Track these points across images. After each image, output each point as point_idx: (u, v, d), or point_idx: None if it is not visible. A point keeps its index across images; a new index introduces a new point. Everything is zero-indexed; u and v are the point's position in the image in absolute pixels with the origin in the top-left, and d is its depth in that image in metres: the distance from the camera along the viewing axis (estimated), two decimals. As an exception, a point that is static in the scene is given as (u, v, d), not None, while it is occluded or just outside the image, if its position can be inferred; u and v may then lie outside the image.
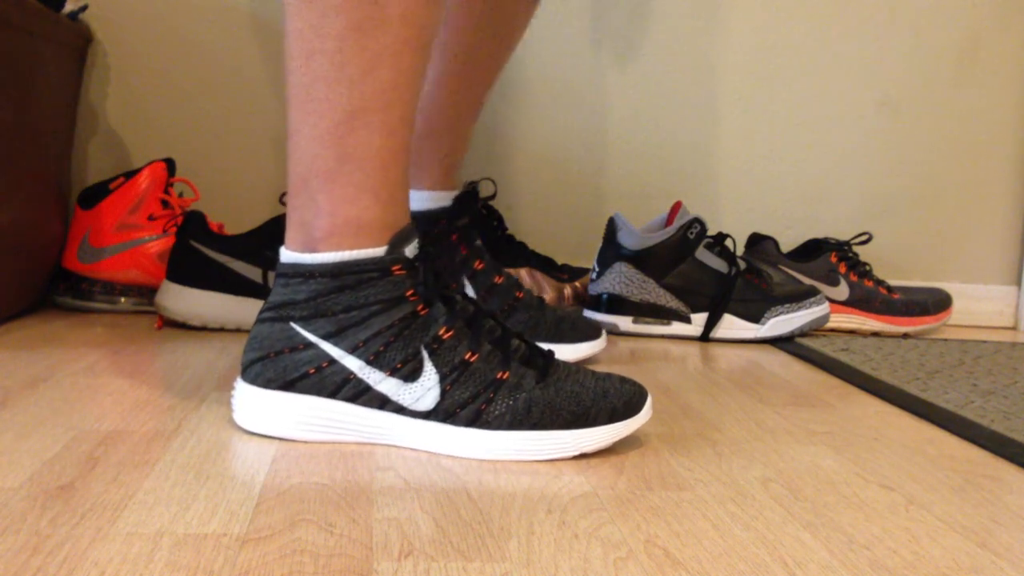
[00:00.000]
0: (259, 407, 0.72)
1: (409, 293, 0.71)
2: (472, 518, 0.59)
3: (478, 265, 1.05)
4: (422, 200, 1.07)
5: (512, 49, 1.09)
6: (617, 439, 0.72)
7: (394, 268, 0.71)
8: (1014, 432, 0.84)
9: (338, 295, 0.71)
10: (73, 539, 0.53)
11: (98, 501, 0.58)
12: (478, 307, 0.74)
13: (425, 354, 0.70)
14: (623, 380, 0.74)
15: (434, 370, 0.70)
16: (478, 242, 1.07)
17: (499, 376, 0.71)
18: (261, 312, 0.74)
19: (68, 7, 1.26)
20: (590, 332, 1.07)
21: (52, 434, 0.71)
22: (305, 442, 0.72)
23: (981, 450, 0.80)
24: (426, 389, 0.70)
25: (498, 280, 1.05)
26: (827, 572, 0.54)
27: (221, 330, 1.14)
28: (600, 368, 1.05)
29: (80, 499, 0.58)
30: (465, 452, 0.71)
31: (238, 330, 1.15)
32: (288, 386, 0.72)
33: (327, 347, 0.71)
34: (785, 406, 0.92)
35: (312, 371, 0.71)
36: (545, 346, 1.02)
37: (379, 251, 0.71)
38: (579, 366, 0.75)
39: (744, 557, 0.55)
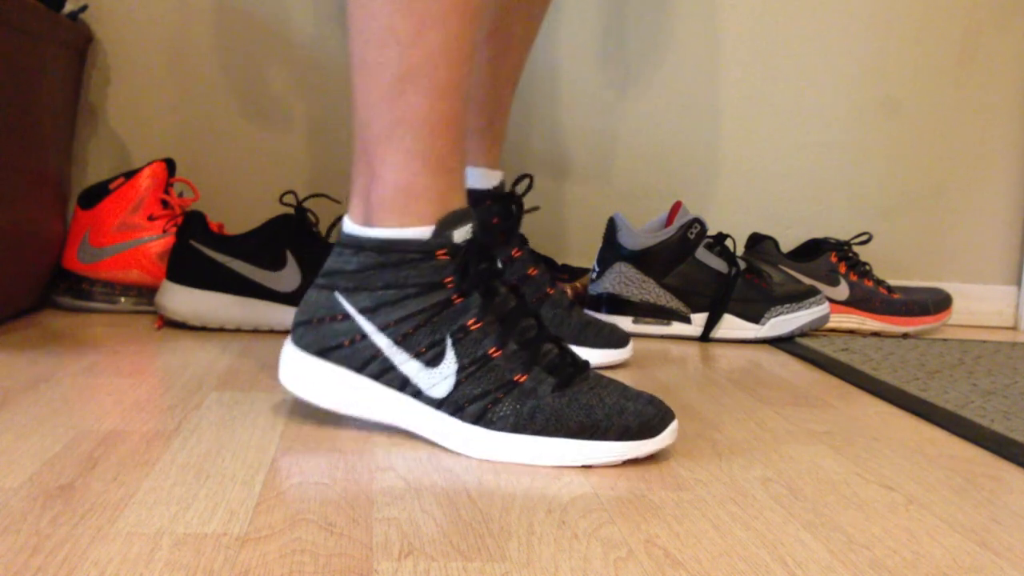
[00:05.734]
0: (298, 370, 0.75)
1: (447, 280, 0.72)
2: (472, 518, 0.59)
3: (515, 253, 1.05)
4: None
5: (540, 18, 1.09)
6: (626, 458, 0.70)
7: (438, 252, 0.72)
8: (1014, 432, 0.84)
9: (380, 271, 0.72)
10: (73, 539, 0.53)
11: (98, 501, 0.58)
12: (521, 305, 0.74)
13: (449, 342, 0.71)
14: (651, 400, 0.72)
15: (454, 360, 0.71)
16: (519, 231, 1.07)
17: (516, 379, 0.71)
18: (317, 278, 0.76)
19: (68, 7, 1.26)
20: (615, 340, 1.05)
21: (52, 434, 0.71)
22: (332, 412, 0.76)
23: (981, 450, 0.80)
24: (443, 377, 0.71)
25: (532, 272, 1.05)
26: (827, 572, 0.54)
27: (221, 330, 1.14)
28: (602, 370, 1.05)
29: (80, 499, 0.58)
30: (467, 449, 0.71)
31: (238, 330, 1.15)
32: (323, 353, 0.74)
33: (362, 321, 0.72)
34: (785, 406, 0.92)
35: (347, 343, 0.73)
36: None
37: (426, 231, 0.72)
38: (612, 380, 0.74)
39: (744, 557, 0.55)
